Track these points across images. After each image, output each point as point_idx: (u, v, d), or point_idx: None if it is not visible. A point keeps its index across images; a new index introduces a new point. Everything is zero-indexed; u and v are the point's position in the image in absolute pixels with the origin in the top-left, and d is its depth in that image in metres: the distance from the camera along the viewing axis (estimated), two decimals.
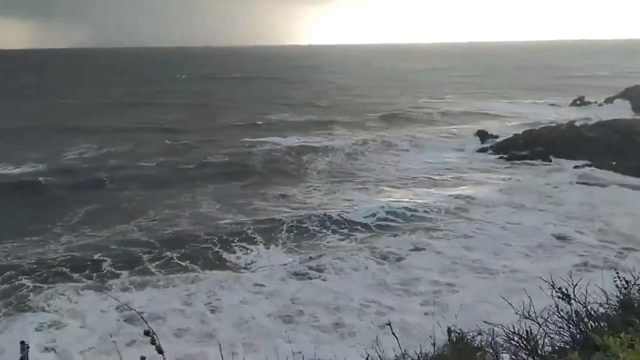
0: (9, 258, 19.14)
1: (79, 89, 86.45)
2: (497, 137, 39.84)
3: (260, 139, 41.10)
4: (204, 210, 25.21)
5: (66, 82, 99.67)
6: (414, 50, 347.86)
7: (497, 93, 76.53)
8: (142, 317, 2.70)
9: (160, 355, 2.36)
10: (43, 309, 14.90)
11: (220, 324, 13.85)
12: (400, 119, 52.79)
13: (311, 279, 16.97)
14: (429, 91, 79.84)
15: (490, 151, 36.77)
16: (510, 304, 4.93)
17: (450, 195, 26.48)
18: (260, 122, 49.70)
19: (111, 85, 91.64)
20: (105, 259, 19.00)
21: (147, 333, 2.40)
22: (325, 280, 16.78)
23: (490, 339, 4.48)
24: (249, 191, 28.35)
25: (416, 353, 4.15)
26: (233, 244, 20.49)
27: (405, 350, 4.28)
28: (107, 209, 25.35)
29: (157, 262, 18.88)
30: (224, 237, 21.15)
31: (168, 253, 19.61)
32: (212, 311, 14.71)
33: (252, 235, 21.35)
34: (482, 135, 40.55)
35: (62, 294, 15.82)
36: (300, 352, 6.63)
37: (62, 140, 39.72)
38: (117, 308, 14.69)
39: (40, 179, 29.53)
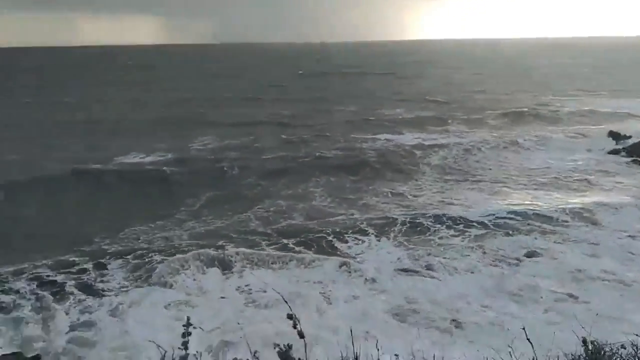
0: (138, 240, 20.90)
1: (202, 82, 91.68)
2: (629, 137, 36.46)
3: (373, 135, 41.08)
4: (317, 202, 25.75)
5: (189, 77, 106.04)
6: (527, 45, 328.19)
7: (627, 90, 69.89)
8: (285, 300, 2.79)
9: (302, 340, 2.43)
10: (171, 286, 16.19)
11: (334, 314, 14.09)
12: (523, 116, 50.01)
13: (424, 277, 16.73)
14: (552, 87, 74.95)
15: (622, 153, 33.76)
16: None
17: (575, 199, 24.78)
18: (374, 118, 49.64)
19: (233, 80, 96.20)
20: (226, 243, 20.10)
21: (290, 317, 2.48)
22: (439, 279, 16.44)
23: (634, 351, 4.10)
24: (361, 186, 28.48)
25: None
26: (346, 236, 20.77)
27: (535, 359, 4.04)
28: (227, 198, 26.71)
29: (274, 247, 19.72)
30: (337, 230, 21.53)
31: (284, 240, 20.39)
32: (326, 301, 15.03)
33: (365, 229, 21.49)
34: (614, 135, 37.32)
35: (187, 274, 17.01)
36: (419, 350, 6.52)
37: (188, 132, 42.39)
38: (237, 288, 15.63)
39: (164, 168, 31.73)
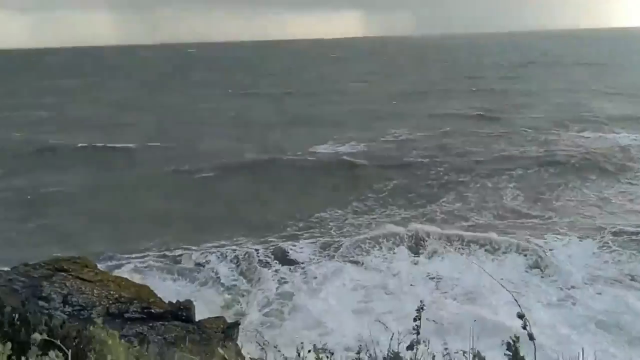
0: (330, 222, 22.01)
1: (398, 76, 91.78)
2: None
3: (578, 133, 37.42)
4: (508, 201, 24.39)
5: (386, 70, 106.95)
6: None
7: None
8: (515, 299, 2.59)
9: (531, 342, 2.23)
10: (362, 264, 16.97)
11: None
12: None
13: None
14: None
15: None
16: None
17: None
18: (580, 113, 45.07)
19: (427, 72, 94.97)
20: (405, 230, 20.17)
21: (520, 316, 2.29)
22: None
23: None
24: (558, 186, 26.15)
25: None
26: (542, 236, 19.39)
27: None
28: (410, 189, 26.62)
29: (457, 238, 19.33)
30: (530, 229, 20.25)
31: (466, 232, 19.89)
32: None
33: (562, 231, 19.85)
34: None
35: (376, 254, 17.60)
36: None
37: (381, 124, 42.95)
38: (426, 275, 15.72)
39: (348, 158, 32.77)
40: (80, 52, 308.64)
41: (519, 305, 2.40)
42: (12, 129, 44.27)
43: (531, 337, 2.24)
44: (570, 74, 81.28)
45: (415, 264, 16.95)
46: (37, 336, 2.03)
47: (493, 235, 18.61)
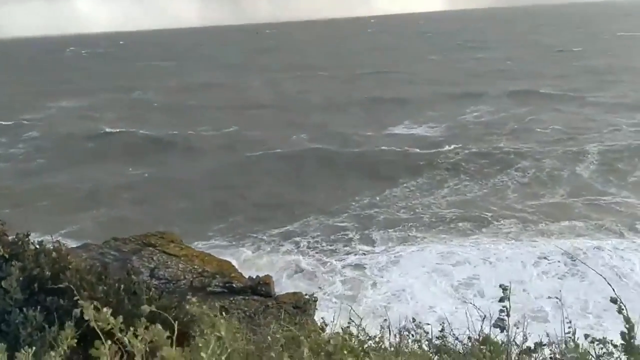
0: (400, 204, 21.92)
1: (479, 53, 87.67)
2: None
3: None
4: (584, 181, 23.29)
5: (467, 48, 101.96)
6: None
7: None
8: (609, 284, 2.52)
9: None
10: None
11: None
12: None
13: None
14: None
15: None
16: None
17: None
18: None
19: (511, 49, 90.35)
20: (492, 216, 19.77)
21: (614, 301, 2.23)
22: None
23: None
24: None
25: None
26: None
27: None
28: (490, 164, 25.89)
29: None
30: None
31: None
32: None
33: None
34: None
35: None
36: None
37: (459, 104, 41.65)
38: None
39: (421, 135, 32.07)
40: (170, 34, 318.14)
41: (614, 290, 2.33)
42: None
43: (627, 320, 2.16)
44: None
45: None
46: (145, 308, 2.20)
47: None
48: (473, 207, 20.74)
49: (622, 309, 2.15)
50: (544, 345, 2.82)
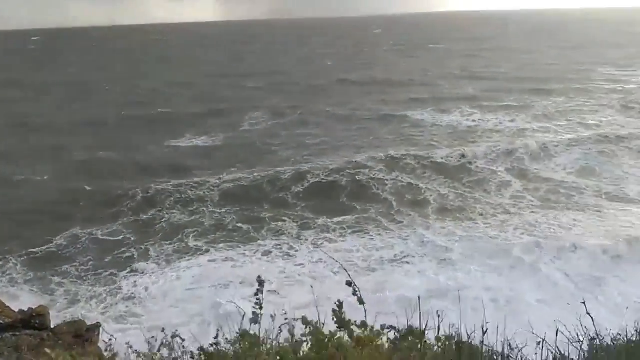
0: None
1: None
2: None
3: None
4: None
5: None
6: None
7: None
8: (344, 268, 2.78)
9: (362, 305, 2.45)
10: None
11: None
12: None
13: None
14: None
15: None
16: None
17: None
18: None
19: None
20: None
21: (349, 284, 2.49)
22: None
23: None
24: None
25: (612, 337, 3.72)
26: None
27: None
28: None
29: None
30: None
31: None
32: None
33: None
34: None
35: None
36: None
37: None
38: None
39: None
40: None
41: (349, 274, 2.60)
42: None
43: (361, 301, 2.46)
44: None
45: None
46: None
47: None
48: None
49: (357, 292, 2.44)
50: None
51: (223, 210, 20.43)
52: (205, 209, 20.54)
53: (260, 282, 2.62)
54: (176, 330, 3.46)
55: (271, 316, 2.78)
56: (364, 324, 2.35)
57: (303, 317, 2.65)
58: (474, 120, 34.13)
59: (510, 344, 2.64)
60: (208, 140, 31.51)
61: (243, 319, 2.70)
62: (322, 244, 17.17)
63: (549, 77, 51.40)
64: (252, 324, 2.61)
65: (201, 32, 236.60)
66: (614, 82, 48.51)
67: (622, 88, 44.76)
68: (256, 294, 2.62)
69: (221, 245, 17.31)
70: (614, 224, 17.82)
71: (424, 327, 2.43)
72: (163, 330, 3.45)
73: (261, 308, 2.61)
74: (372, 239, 17.54)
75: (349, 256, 16.11)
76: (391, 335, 2.53)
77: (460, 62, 68.82)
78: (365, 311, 2.48)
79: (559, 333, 2.56)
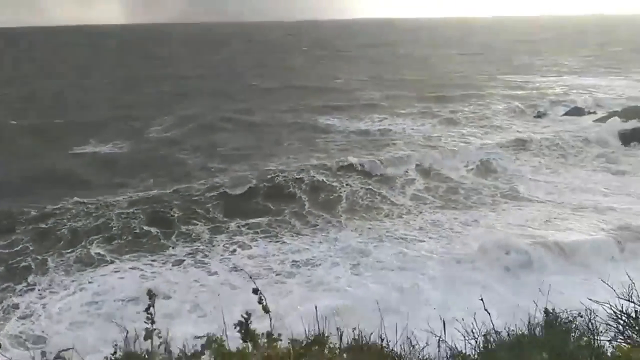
0: None
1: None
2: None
3: None
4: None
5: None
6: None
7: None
8: (250, 276, 2.75)
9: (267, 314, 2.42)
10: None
11: None
12: None
13: None
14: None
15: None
16: (611, 286, 4.67)
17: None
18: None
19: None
20: None
21: (255, 292, 2.46)
22: None
23: (587, 320, 4.25)
24: None
25: (507, 331, 3.98)
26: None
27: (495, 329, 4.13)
28: None
29: None
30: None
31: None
32: None
33: None
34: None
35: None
36: None
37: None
38: None
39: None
40: None
41: (254, 282, 2.58)
42: None
43: (266, 310, 2.44)
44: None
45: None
46: None
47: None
48: None
49: (262, 299, 2.42)
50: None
51: (130, 216, 19.60)
52: (111, 213, 19.61)
53: (151, 296, 2.52)
54: (68, 349, 3.24)
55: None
56: (269, 335, 2.33)
57: (207, 333, 2.58)
58: (384, 126, 35.21)
59: (411, 343, 2.73)
60: (114, 148, 30.18)
61: (137, 338, 2.57)
62: (234, 250, 16.95)
63: (455, 84, 54.23)
64: (145, 340, 2.50)
65: (106, 34, 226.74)
66: (515, 88, 52.14)
67: (521, 94, 47.98)
68: (147, 309, 2.52)
69: (127, 256, 16.59)
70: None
71: (329, 333, 2.47)
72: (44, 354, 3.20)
73: (153, 323, 2.51)
74: (285, 242, 17.56)
75: (262, 261, 16.02)
76: (297, 344, 2.53)
77: (368, 68, 70.99)
78: (270, 320, 2.46)
79: (456, 330, 2.70)
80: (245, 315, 2.26)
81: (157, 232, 18.23)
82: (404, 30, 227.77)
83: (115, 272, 15.37)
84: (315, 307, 2.53)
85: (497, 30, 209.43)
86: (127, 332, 2.59)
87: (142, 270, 15.54)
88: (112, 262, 16.06)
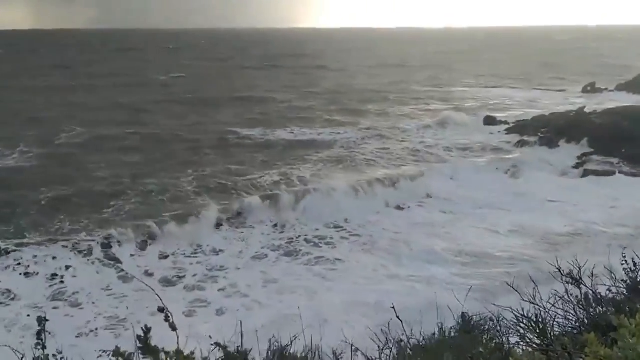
0: None
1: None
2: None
3: None
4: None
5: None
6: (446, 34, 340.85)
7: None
8: (156, 294, 2.62)
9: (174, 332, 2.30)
10: None
11: None
12: None
13: None
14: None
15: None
16: (516, 290, 4.88)
17: None
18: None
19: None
20: None
21: (161, 310, 2.33)
22: None
23: (496, 322, 4.43)
24: None
25: (423, 337, 4.07)
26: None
27: (411, 333, 4.21)
28: None
29: None
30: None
31: None
32: None
33: None
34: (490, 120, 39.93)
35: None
36: None
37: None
38: None
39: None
40: None
41: (161, 300, 2.45)
42: None
43: (173, 328, 2.32)
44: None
45: None
46: None
47: None
48: None
49: (169, 317, 2.30)
50: None
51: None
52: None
53: (40, 322, 2.32)
54: None
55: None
56: (178, 352, 2.21)
57: (116, 347, 2.42)
58: (305, 136, 35.41)
59: (327, 354, 2.71)
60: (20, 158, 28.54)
61: None
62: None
63: (369, 96, 55.12)
64: None
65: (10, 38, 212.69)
66: (429, 98, 54.05)
67: (434, 106, 49.56)
68: (38, 335, 2.32)
69: None
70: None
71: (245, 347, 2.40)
72: None
73: (44, 348, 2.32)
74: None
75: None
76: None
77: (288, 79, 70.98)
78: (177, 337, 2.34)
79: (370, 339, 2.72)
80: (145, 329, 2.12)
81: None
82: (322, 40, 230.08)
83: None
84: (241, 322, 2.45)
85: (426, 41, 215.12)
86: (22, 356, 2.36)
87: None
88: None
